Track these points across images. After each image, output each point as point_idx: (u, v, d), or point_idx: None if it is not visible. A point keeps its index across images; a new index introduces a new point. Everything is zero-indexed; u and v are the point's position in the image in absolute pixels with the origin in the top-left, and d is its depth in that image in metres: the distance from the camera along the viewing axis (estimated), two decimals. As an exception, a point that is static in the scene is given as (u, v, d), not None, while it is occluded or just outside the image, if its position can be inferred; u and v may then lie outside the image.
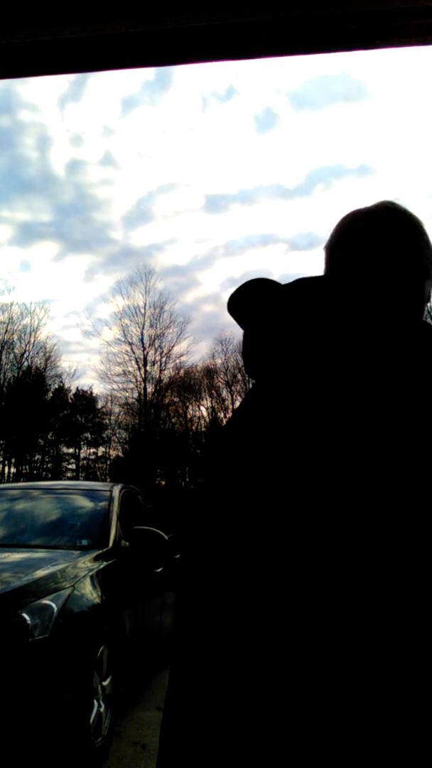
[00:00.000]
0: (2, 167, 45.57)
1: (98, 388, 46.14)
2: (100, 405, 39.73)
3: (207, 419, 38.38)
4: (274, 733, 0.62)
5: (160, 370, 35.36)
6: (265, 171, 49.52)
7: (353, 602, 0.64)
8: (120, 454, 38.61)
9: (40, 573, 3.55)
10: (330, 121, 45.33)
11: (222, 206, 46.46)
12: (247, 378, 38.56)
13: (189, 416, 38.21)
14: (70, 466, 39.95)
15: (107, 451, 40.46)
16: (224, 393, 39.39)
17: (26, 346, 35.28)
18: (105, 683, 3.75)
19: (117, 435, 39.21)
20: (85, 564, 3.94)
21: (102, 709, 3.63)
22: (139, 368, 35.12)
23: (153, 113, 46.69)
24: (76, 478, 37.98)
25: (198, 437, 37.76)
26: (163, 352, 35.13)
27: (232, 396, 38.91)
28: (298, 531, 0.67)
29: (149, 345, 35.02)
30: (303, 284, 0.90)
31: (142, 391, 34.97)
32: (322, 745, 0.61)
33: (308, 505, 0.68)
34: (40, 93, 46.57)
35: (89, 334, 46.98)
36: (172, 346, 35.27)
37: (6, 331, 34.87)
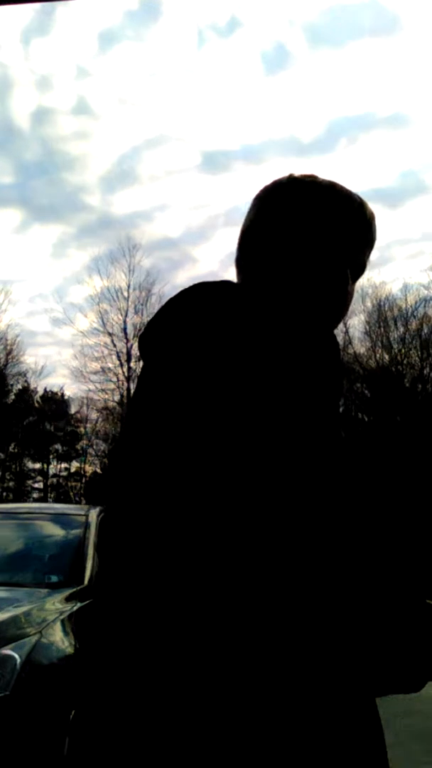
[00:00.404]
0: None
1: (71, 389, 44.97)
2: (73, 410, 39.80)
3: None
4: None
5: (147, 367, 35.20)
6: (276, 122, 49.66)
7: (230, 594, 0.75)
8: (97, 469, 38.59)
9: (-1, 617, 3.57)
10: (355, 60, 45.46)
11: (222, 165, 46.63)
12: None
13: (183, 423, 38.07)
14: (36, 485, 40.03)
15: (82, 466, 40.50)
16: (226, 395, 39.37)
17: (-18, 337, 35.32)
18: (79, 752, 3.75)
19: (94, 447, 39.21)
20: (55, 605, 3.96)
21: (75, 784, 3.63)
22: (122, 364, 34.91)
23: (138, 51, 46.80)
24: (44, 499, 37.95)
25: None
26: (150, 344, 34.99)
27: (235, 398, 38.87)
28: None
29: (134, 336, 34.75)
30: (193, 292, 0.92)
31: (125, 393, 34.70)
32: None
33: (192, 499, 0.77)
34: (-1, 26, 46.69)
35: (60, 323, 46.21)
36: (162, 338, 35.09)
37: None
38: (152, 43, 45.49)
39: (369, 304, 38.22)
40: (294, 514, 0.78)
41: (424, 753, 5.17)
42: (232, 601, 0.74)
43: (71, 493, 39.84)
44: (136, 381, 0.86)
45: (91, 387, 35.46)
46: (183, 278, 46.12)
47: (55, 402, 39.55)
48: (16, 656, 3.33)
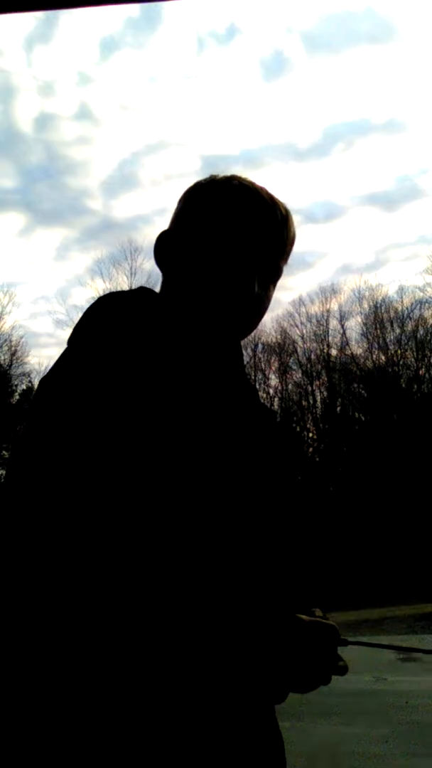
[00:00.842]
0: (-43, 124, 45.63)
1: (74, 390, 45.52)
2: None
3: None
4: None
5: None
6: (274, 127, 49.66)
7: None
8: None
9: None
10: (351, 66, 45.45)
11: (222, 170, 46.18)
12: (253, 378, 38.60)
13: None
14: (40, 484, 39.75)
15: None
16: (226, 395, 39.35)
17: (-14, 339, 35.31)
18: None
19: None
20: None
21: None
22: (123, 365, 34.89)
23: (138, 57, 46.83)
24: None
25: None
26: (152, 346, 34.95)
27: (235, 399, 38.85)
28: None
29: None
30: (105, 303, 0.90)
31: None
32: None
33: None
34: (1, 34, 46.71)
35: (63, 324, 46.26)
36: (163, 339, 35.09)
37: (-40, 321, 34.89)
38: (152, 49, 45.54)
39: (366, 306, 38.22)
40: (167, 524, 0.77)
41: (422, 745, 5.16)
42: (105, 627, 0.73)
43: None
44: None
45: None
46: (183, 281, 45.81)
47: (59, 402, 39.35)
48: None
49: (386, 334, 37.09)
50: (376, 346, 37.29)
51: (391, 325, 37.03)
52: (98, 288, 40.53)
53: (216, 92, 46.94)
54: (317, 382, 38.15)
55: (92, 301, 0.91)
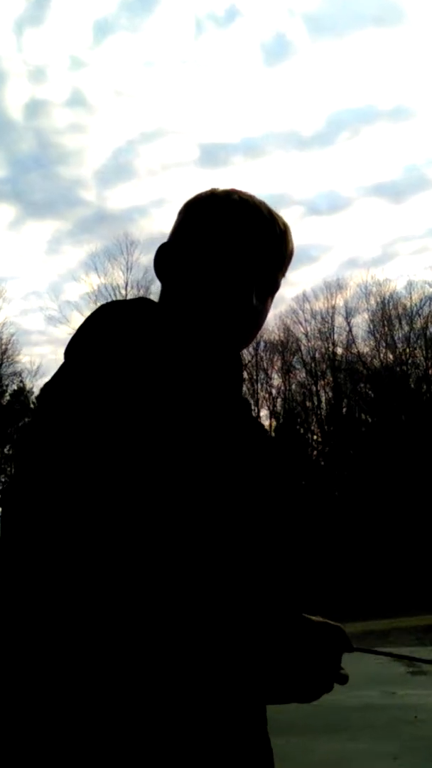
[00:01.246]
0: None
1: (68, 390, 45.40)
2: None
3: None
4: None
5: (146, 367, 35.18)
6: (276, 114, 49.70)
7: None
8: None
9: None
10: (357, 50, 45.48)
11: (221, 159, 46.64)
12: (256, 379, 38.62)
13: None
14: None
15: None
16: (226, 395, 39.33)
17: (-25, 336, 35.25)
18: None
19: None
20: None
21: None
22: (119, 364, 34.89)
23: (134, 41, 46.86)
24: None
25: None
26: (148, 344, 34.96)
27: (235, 399, 38.84)
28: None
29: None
30: (107, 312, 0.95)
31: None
32: None
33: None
34: (-7, 18, 46.62)
35: (55, 321, 46.46)
36: (161, 337, 35.09)
37: None
38: (149, 33, 45.61)
39: (373, 302, 38.21)
40: (166, 530, 0.81)
41: (430, 762, 5.16)
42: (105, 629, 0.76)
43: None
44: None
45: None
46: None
47: (51, 403, 39.33)
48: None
49: (394, 331, 37.13)
50: (384, 344, 37.33)
51: (400, 322, 37.04)
52: (92, 283, 40.42)
53: (215, 78, 47.00)
54: (322, 382, 38.15)
55: (92, 311, 0.96)
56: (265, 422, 38.54)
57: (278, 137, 47.61)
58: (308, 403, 38.53)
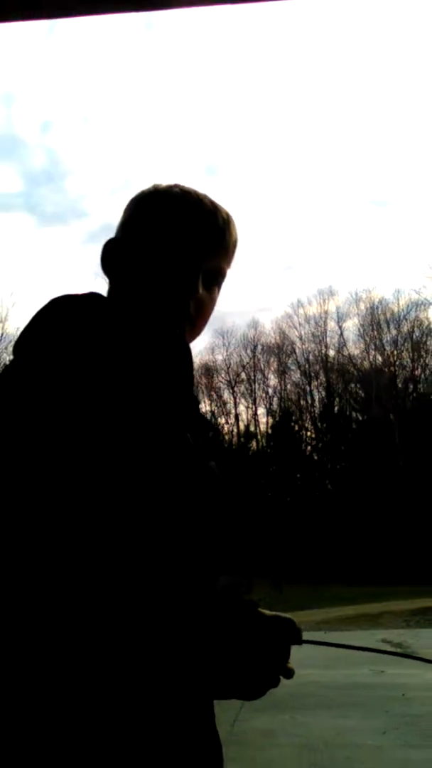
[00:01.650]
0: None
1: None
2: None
3: (205, 426, 38.23)
4: None
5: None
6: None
7: None
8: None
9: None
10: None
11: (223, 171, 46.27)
12: (252, 378, 38.64)
13: (184, 423, 38.02)
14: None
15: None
16: (225, 395, 39.50)
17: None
18: None
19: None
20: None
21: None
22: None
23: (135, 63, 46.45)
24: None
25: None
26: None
27: (234, 399, 39.01)
28: None
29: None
30: (58, 306, 0.91)
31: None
32: None
33: None
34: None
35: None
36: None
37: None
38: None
39: (362, 308, 38.21)
40: (111, 520, 0.76)
41: (421, 737, 5.16)
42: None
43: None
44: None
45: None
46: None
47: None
48: None
49: (383, 335, 37.13)
50: (373, 347, 37.30)
51: (388, 327, 37.07)
52: (102, 290, 40.44)
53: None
54: (315, 382, 38.17)
55: (51, 301, 0.92)
56: (262, 420, 38.71)
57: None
58: (302, 402, 38.52)
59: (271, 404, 38.84)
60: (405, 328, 36.98)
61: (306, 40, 49.49)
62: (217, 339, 39.77)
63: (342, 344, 38.63)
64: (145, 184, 1.07)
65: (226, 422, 38.65)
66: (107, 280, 1.05)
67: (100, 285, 1.05)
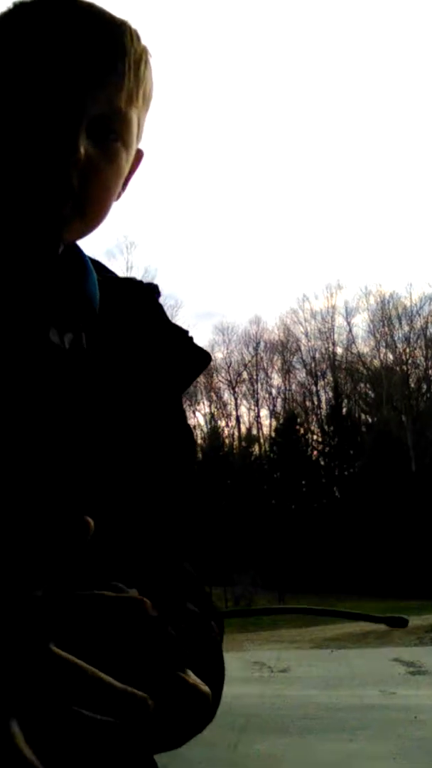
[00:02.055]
0: None
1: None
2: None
3: (204, 429, 38.42)
4: None
5: (145, 367, 35.23)
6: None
7: None
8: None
9: None
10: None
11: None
12: (255, 377, 38.61)
13: (182, 425, 38.04)
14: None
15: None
16: (226, 395, 39.52)
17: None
18: None
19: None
20: None
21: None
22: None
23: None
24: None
25: (193, 451, 37.63)
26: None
27: (236, 400, 39.01)
28: None
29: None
30: None
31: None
32: None
33: None
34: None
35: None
36: (160, 337, 35.17)
37: None
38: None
39: (373, 302, 38.25)
40: None
41: (431, 762, 5.16)
42: None
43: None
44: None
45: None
46: (180, 274, 45.88)
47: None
48: None
49: (394, 331, 37.15)
50: (384, 344, 37.32)
51: (400, 322, 37.09)
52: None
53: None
54: (322, 382, 38.18)
55: None
56: (265, 422, 38.69)
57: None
58: (308, 403, 38.54)
59: (274, 406, 38.92)
60: (418, 323, 37.01)
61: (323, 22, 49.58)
62: (216, 336, 40.01)
63: (351, 341, 38.67)
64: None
65: (227, 425, 38.78)
66: None
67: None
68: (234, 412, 39.12)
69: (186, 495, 0.80)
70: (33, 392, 0.64)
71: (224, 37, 51.24)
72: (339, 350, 38.88)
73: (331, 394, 37.90)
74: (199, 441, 37.92)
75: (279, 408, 38.62)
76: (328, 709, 7.06)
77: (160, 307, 0.81)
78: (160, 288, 0.86)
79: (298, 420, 37.59)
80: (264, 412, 38.48)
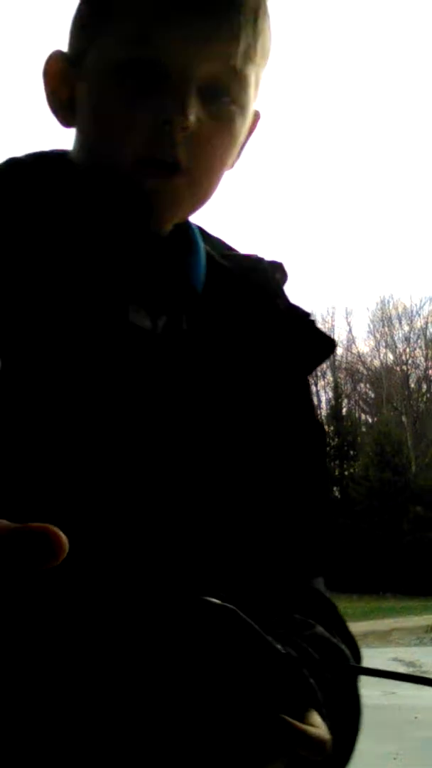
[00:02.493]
0: None
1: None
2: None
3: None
4: None
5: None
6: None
7: None
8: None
9: None
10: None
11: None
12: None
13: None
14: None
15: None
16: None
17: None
18: None
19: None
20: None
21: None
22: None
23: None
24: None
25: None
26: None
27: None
28: None
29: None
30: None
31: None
32: None
33: None
34: None
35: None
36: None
37: None
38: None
39: (373, 303, 38.19)
40: None
41: (430, 762, 5.16)
42: None
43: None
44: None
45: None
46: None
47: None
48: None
49: (394, 331, 37.12)
50: (384, 344, 37.30)
51: (400, 322, 37.05)
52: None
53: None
54: (322, 382, 38.14)
55: None
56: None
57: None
58: (308, 403, 38.41)
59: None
60: (418, 323, 36.96)
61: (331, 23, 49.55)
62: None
63: (350, 341, 38.66)
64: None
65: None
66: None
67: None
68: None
69: (317, 502, 0.69)
70: (114, 380, 0.57)
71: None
72: (339, 350, 38.89)
73: (331, 394, 37.88)
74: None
75: (279, 408, 38.61)
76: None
77: (280, 287, 0.71)
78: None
79: (298, 420, 37.53)
80: (264, 412, 38.48)
